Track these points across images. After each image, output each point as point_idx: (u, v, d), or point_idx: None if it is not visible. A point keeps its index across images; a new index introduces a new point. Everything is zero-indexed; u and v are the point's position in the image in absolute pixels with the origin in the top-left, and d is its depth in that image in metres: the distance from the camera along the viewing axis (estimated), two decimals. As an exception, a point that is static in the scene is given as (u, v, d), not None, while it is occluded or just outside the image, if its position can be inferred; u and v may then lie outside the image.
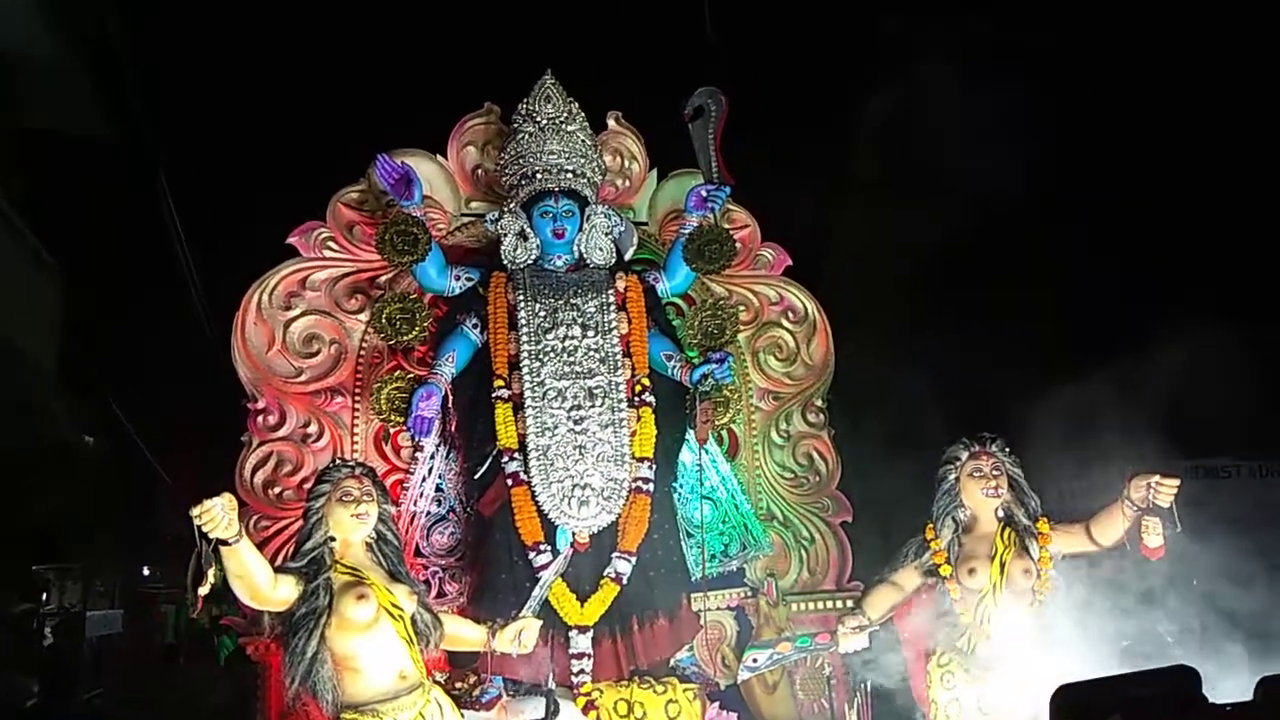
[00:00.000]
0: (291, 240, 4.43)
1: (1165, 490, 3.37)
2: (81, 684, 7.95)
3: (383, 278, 4.46)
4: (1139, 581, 3.69)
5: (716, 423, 4.37)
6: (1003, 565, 3.64)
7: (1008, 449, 3.79)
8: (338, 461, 3.49)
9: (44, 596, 8.84)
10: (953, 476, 3.80)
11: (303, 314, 4.38)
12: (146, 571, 10.54)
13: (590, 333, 4.14)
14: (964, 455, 3.80)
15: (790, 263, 4.99)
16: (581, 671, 3.81)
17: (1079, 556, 3.71)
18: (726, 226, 4.61)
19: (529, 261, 4.28)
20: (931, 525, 3.82)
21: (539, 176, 4.27)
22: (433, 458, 4.21)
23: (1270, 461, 7.67)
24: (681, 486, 4.35)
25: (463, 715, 3.38)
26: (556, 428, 3.99)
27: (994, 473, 3.74)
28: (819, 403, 4.89)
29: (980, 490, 3.73)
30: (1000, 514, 3.76)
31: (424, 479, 4.19)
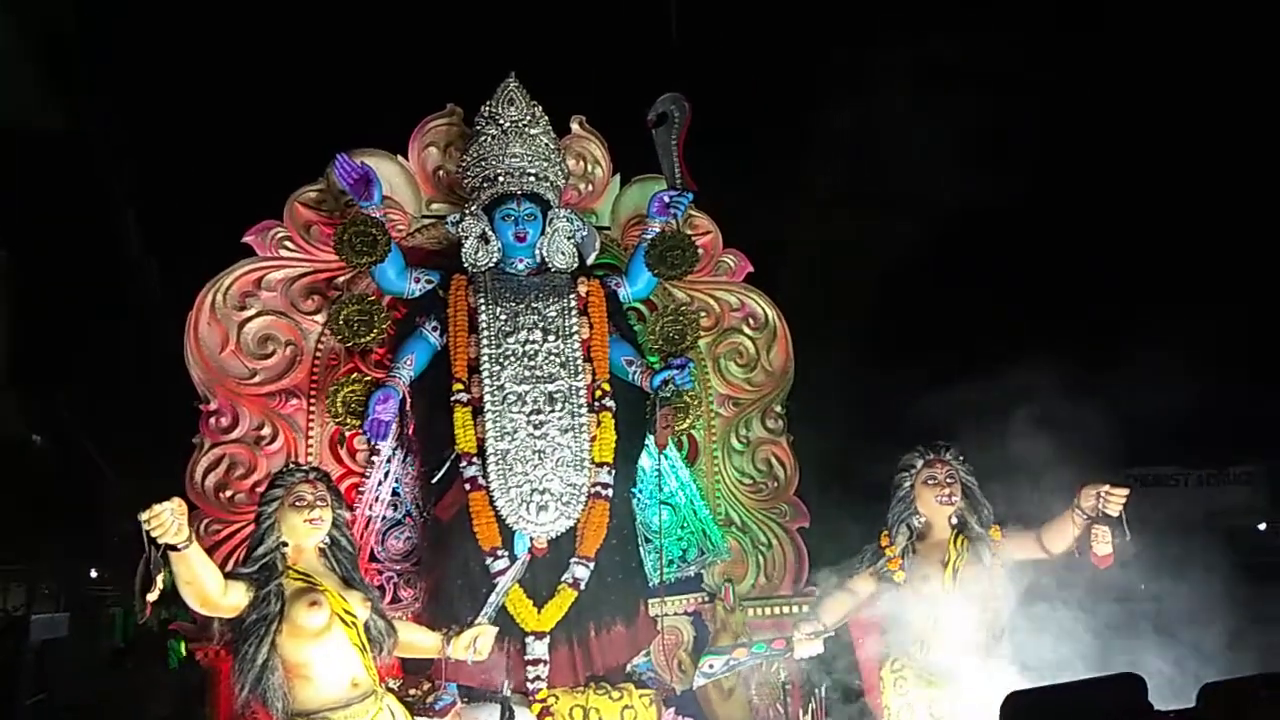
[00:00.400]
0: (247, 239, 4.36)
1: (1115, 499, 3.44)
2: (24, 689, 7.78)
3: (340, 279, 4.40)
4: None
5: (676, 428, 4.37)
6: (955, 572, 3.69)
7: (961, 457, 3.85)
8: (291, 465, 3.45)
9: (-14, 600, 8.63)
10: (908, 484, 3.85)
11: (258, 314, 4.31)
12: (94, 574, 10.33)
13: (551, 337, 4.13)
14: (919, 463, 3.85)
15: (751, 269, 5.00)
16: (538, 678, 3.78)
17: (1029, 563, 3.77)
18: (689, 232, 4.61)
19: (490, 264, 4.26)
20: (886, 532, 3.86)
21: (501, 179, 4.24)
22: (389, 461, 4.16)
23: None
24: (640, 492, 4.35)
25: (417, 723, 3.35)
26: (516, 432, 3.97)
27: (948, 480, 3.79)
28: (778, 409, 4.91)
29: (934, 497, 3.79)
30: (954, 521, 3.81)
31: (380, 483, 4.14)
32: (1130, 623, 3.78)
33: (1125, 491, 3.45)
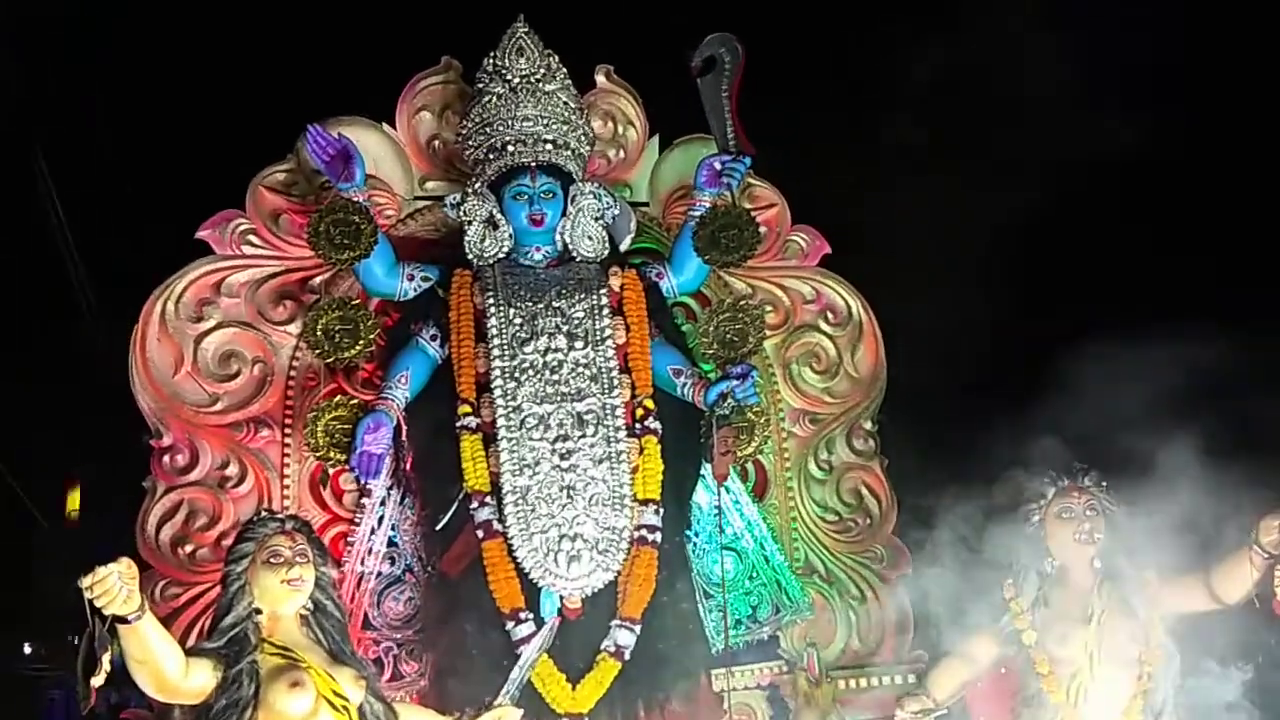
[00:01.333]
0: (202, 235, 4.45)
1: (1306, 533, 3.39)
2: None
3: (317, 279, 4.49)
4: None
5: (739, 454, 4.38)
6: (1101, 628, 3.66)
7: (1105, 484, 3.81)
8: (264, 513, 3.51)
9: (-101, 682, 8.85)
10: (1036, 519, 3.83)
11: (218, 326, 4.40)
12: (28, 649, 10.55)
13: (578, 344, 4.17)
14: (1050, 492, 3.83)
15: (828, 251, 5.00)
16: (575, 771, 3.82)
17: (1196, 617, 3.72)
18: (747, 207, 4.63)
19: (500, 255, 4.31)
20: (1011, 581, 3.83)
21: (511, 149, 4.29)
22: (383, 504, 4.21)
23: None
24: (697, 535, 4.37)
25: (425, 829, 3.39)
26: (538, 464, 4.00)
27: (1088, 513, 3.76)
28: (868, 425, 4.90)
29: (1072, 535, 3.76)
30: (1097, 565, 3.77)
31: (373, 531, 4.20)
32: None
33: (1321, 522, 3.39)
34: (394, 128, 4.70)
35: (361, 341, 4.22)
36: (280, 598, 3.26)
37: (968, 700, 3.98)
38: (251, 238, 4.49)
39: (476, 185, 4.34)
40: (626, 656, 3.89)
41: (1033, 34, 5.33)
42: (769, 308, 4.81)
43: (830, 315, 4.95)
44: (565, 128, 4.36)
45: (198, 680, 3.06)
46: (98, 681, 2.83)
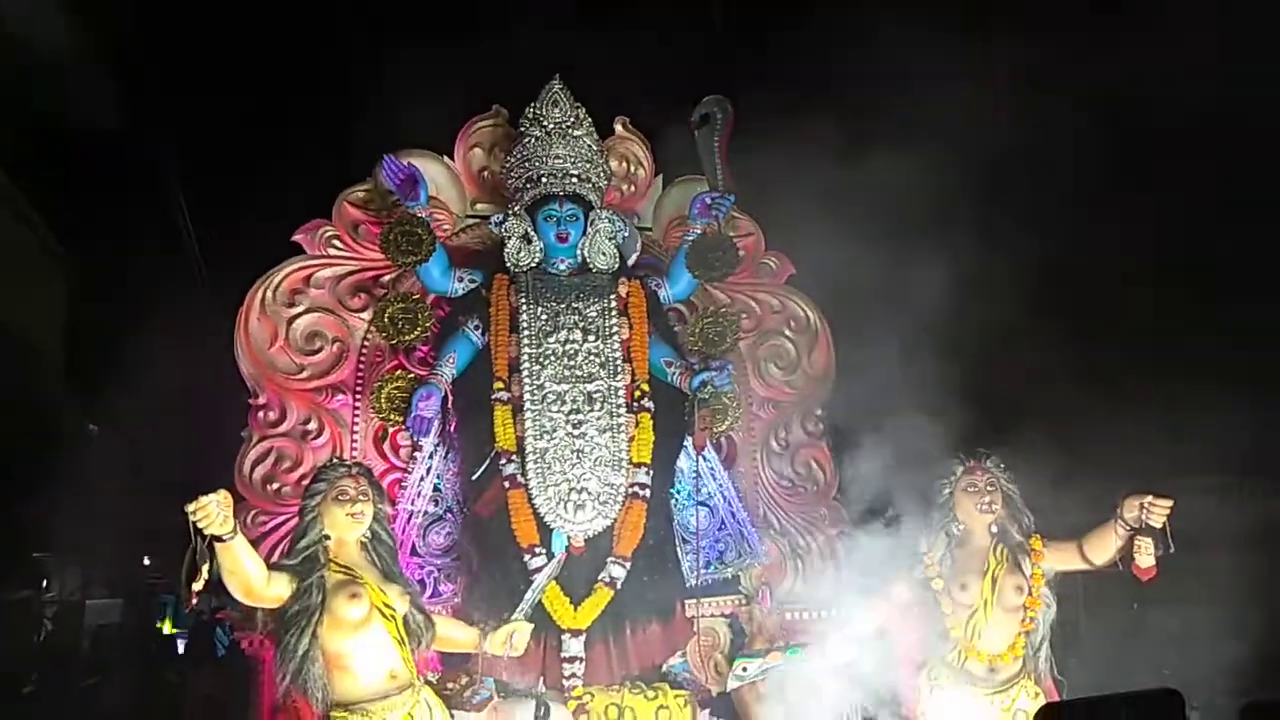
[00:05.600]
0: (297, 238, 4.45)
1: (1159, 511, 3.39)
2: (79, 672, 8.02)
3: (386, 277, 4.47)
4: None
5: (715, 430, 4.37)
6: (994, 581, 3.66)
7: (1002, 465, 3.81)
8: (334, 460, 3.53)
9: (43, 585, 8.89)
10: (947, 491, 3.82)
11: (306, 311, 4.40)
12: (147, 561, 10.59)
13: (591, 337, 4.17)
14: (959, 470, 3.82)
15: (794, 271, 4.99)
16: (573, 675, 3.82)
17: (1071, 574, 3.73)
18: (730, 234, 4.62)
19: (532, 265, 4.31)
20: (925, 539, 3.84)
21: (544, 180, 4.29)
22: (431, 458, 4.22)
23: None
24: (678, 493, 4.36)
25: (453, 716, 3.41)
26: (555, 431, 4.01)
27: (988, 488, 3.76)
28: (818, 413, 4.89)
29: (974, 505, 3.76)
30: (993, 530, 3.77)
31: (422, 478, 4.21)
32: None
33: (1169, 503, 3.39)
34: (452, 159, 4.69)
35: (420, 328, 4.23)
36: (345, 527, 3.28)
37: (886, 632, 3.97)
38: (335, 242, 4.48)
39: (515, 208, 4.33)
40: (618, 586, 3.91)
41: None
42: (744, 315, 4.78)
43: (793, 323, 4.93)
44: (588, 166, 4.35)
45: (277, 589, 3.09)
46: (197, 587, 2.87)
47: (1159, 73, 4.90)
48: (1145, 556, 3.44)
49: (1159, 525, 3.39)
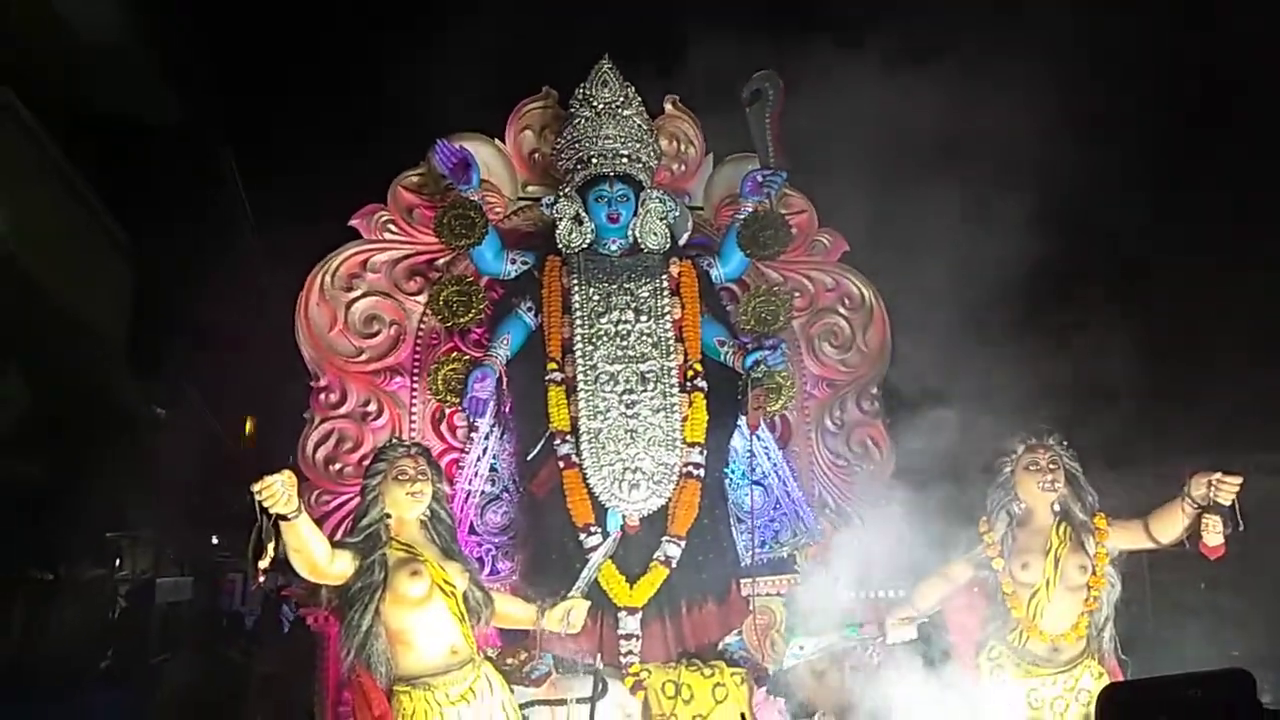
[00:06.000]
0: (353, 223, 4.51)
1: (1227, 488, 3.30)
2: (151, 648, 8.29)
3: (441, 260, 4.51)
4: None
5: (768, 409, 4.35)
6: (1057, 560, 3.61)
7: (1065, 443, 3.74)
8: (394, 441, 3.58)
9: (116, 563, 9.20)
10: (1008, 470, 3.77)
11: (363, 295, 4.45)
12: (215, 540, 10.88)
13: (643, 317, 4.16)
14: (1020, 449, 3.76)
15: (847, 248, 4.94)
16: (630, 652, 3.84)
17: (1136, 554, 3.65)
18: (782, 212, 4.57)
19: (584, 245, 4.31)
20: (985, 518, 3.79)
21: (594, 161, 4.28)
22: (487, 438, 4.25)
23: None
24: (732, 472, 4.35)
25: (512, 691, 3.46)
26: (608, 411, 4.02)
27: (1050, 466, 3.70)
28: (874, 391, 4.84)
29: (1036, 484, 3.70)
30: (1056, 508, 3.71)
31: (479, 459, 4.25)
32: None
33: (1238, 480, 3.31)
34: (503, 142, 4.71)
35: (474, 310, 4.26)
36: (405, 506, 3.33)
37: (946, 612, 3.94)
38: (391, 226, 4.53)
39: (566, 190, 4.34)
40: (673, 565, 3.91)
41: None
42: (797, 293, 4.75)
43: (847, 301, 4.88)
44: (638, 145, 4.34)
45: (340, 566, 3.15)
46: (263, 564, 2.93)
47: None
48: (1213, 535, 3.36)
49: (1227, 503, 3.31)
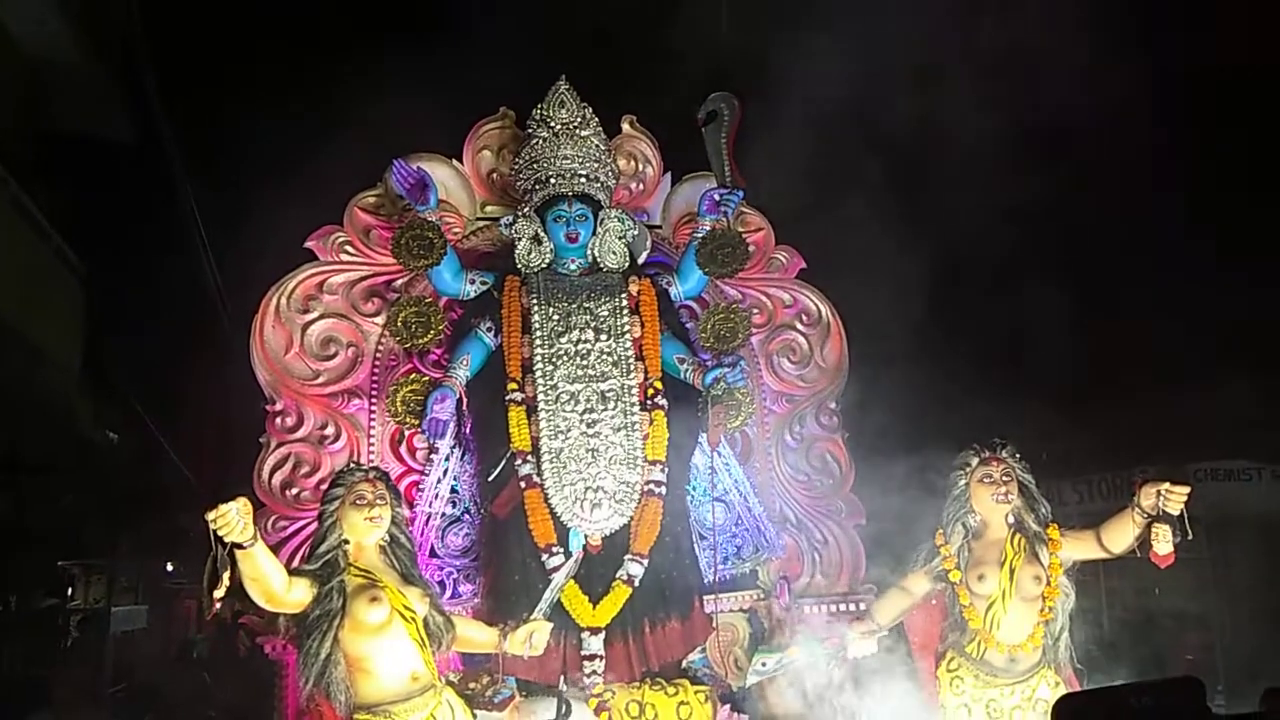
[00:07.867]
0: (309, 244, 4.48)
1: (1175, 498, 3.36)
2: (105, 679, 8.09)
3: (399, 281, 4.50)
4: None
5: (729, 426, 4.36)
6: (1012, 571, 3.65)
7: (1018, 455, 3.79)
8: (352, 465, 3.54)
9: (69, 592, 8.97)
10: (963, 482, 3.80)
11: (320, 317, 4.43)
12: (170, 567, 10.68)
13: (603, 336, 4.17)
14: (974, 461, 3.80)
15: (804, 265, 4.99)
16: (594, 673, 3.83)
17: (1089, 563, 3.70)
18: (740, 230, 4.61)
19: (543, 265, 4.31)
20: (942, 530, 3.83)
21: (553, 181, 4.29)
22: (447, 459, 4.23)
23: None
24: (694, 489, 4.37)
25: (475, 716, 3.42)
26: (569, 431, 4.01)
27: (1004, 478, 3.74)
28: (832, 405, 4.88)
29: (990, 496, 3.73)
30: (1010, 520, 3.75)
31: (439, 480, 4.22)
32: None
33: (1185, 489, 3.37)
34: (461, 162, 4.71)
35: (432, 331, 4.24)
36: (363, 531, 3.29)
37: (905, 624, 3.97)
38: (348, 247, 4.51)
39: (525, 209, 4.34)
40: (636, 584, 3.91)
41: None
42: (755, 310, 4.79)
43: (804, 317, 4.93)
44: (596, 165, 4.35)
45: (298, 594, 3.10)
46: (219, 595, 2.88)
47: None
48: (1163, 544, 3.41)
49: (1176, 512, 3.36)
